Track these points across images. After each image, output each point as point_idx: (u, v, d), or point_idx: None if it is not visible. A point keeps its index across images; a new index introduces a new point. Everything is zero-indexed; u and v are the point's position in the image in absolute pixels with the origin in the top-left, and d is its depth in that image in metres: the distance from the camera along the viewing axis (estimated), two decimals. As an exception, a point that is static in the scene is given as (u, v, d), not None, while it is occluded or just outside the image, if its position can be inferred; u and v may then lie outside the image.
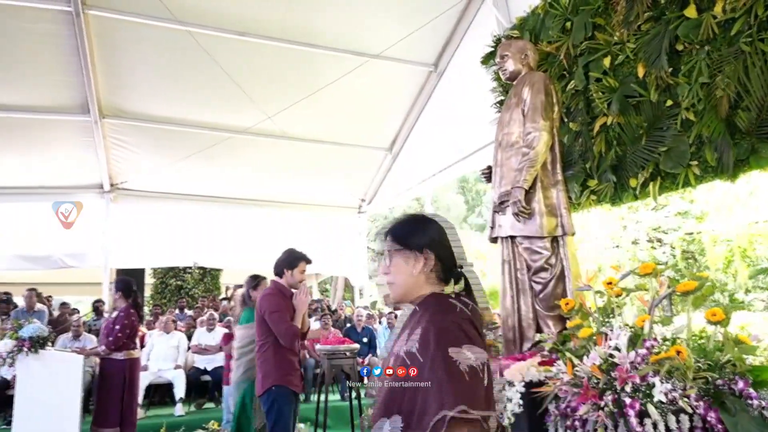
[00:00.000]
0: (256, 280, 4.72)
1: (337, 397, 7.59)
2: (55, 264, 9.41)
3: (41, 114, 7.59)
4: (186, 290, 11.86)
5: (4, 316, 7.73)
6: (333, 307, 10.72)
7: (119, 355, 4.88)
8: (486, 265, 13.98)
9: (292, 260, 4.14)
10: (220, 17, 6.72)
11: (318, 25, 7.09)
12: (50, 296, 10.12)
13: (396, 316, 9.13)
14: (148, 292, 12.69)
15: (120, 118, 8.02)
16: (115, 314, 5.05)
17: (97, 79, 7.27)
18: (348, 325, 9.06)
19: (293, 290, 4.13)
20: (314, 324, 8.99)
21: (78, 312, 9.12)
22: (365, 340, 8.36)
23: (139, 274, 11.30)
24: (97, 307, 8.53)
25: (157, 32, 6.76)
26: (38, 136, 7.93)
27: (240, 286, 10.61)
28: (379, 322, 9.78)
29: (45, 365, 4.69)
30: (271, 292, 4.12)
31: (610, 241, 11.06)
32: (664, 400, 2.33)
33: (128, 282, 5.22)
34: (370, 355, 8.40)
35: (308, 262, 4.21)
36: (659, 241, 10.98)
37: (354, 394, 5.86)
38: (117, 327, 4.87)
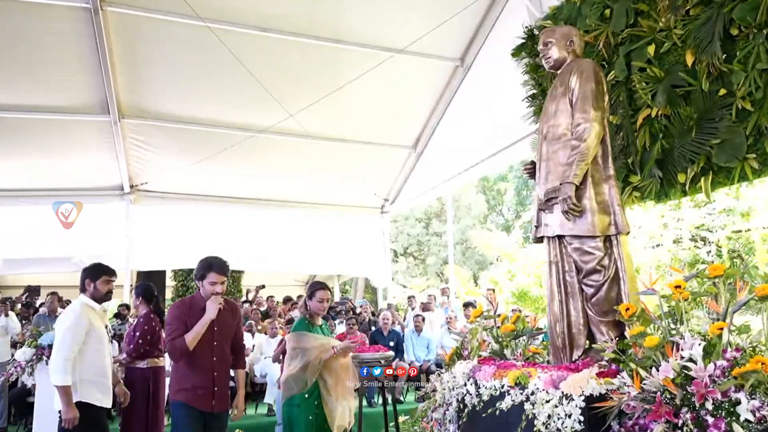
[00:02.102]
0: (312, 289, 4.37)
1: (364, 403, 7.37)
2: (75, 267, 9.32)
3: (59, 114, 7.51)
4: (207, 292, 11.71)
5: (24, 321, 7.64)
6: (357, 309, 10.51)
7: (142, 364, 4.68)
8: (513, 266, 13.66)
9: (201, 270, 3.83)
10: (241, 13, 6.56)
11: (341, 21, 6.91)
12: (69, 300, 10.02)
13: (423, 319, 8.93)
14: (168, 294, 12.60)
15: (140, 118, 7.90)
16: (135, 321, 4.87)
17: (116, 79, 7.15)
18: (373, 328, 8.83)
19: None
20: (339, 327, 8.79)
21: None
22: (392, 344, 8.12)
23: (159, 276, 11.21)
24: (119, 312, 8.38)
25: (178, 29, 6.62)
26: (57, 137, 7.85)
27: (263, 287, 10.51)
28: (404, 319, 9.57)
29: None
30: (177, 303, 3.92)
31: (648, 239, 10.69)
32: (751, 418, 2.08)
33: (149, 287, 5.05)
34: (397, 359, 8.16)
35: (220, 273, 3.81)
36: (703, 239, 10.58)
37: (383, 399, 5.68)
38: (137, 334, 4.67)
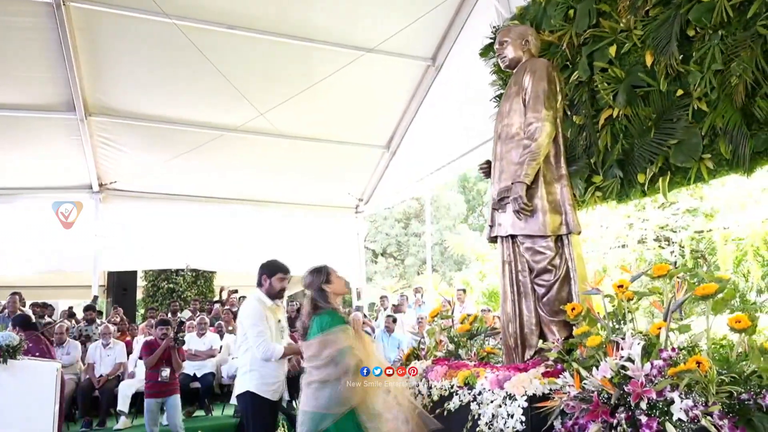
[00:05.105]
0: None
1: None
2: (44, 267, 9.19)
3: (24, 112, 7.39)
4: (178, 293, 11.57)
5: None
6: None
7: None
8: (486, 267, 13.69)
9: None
10: (209, 10, 6.49)
11: (312, 19, 6.85)
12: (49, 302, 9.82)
13: (394, 320, 8.88)
14: (139, 294, 12.42)
15: (107, 116, 7.79)
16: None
17: (81, 76, 7.04)
18: (344, 328, 8.76)
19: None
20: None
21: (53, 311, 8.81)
22: (361, 344, 8.06)
23: (130, 276, 11.06)
24: (86, 316, 8.19)
25: (144, 26, 6.53)
26: (22, 135, 7.70)
27: (235, 291, 10.40)
28: (375, 318, 9.52)
29: (15, 376, 4.38)
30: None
31: (614, 240, 10.75)
32: (684, 418, 2.07)
33: (25, 317, 5.82)
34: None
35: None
36: (667, 240, 10.68)
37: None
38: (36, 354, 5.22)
